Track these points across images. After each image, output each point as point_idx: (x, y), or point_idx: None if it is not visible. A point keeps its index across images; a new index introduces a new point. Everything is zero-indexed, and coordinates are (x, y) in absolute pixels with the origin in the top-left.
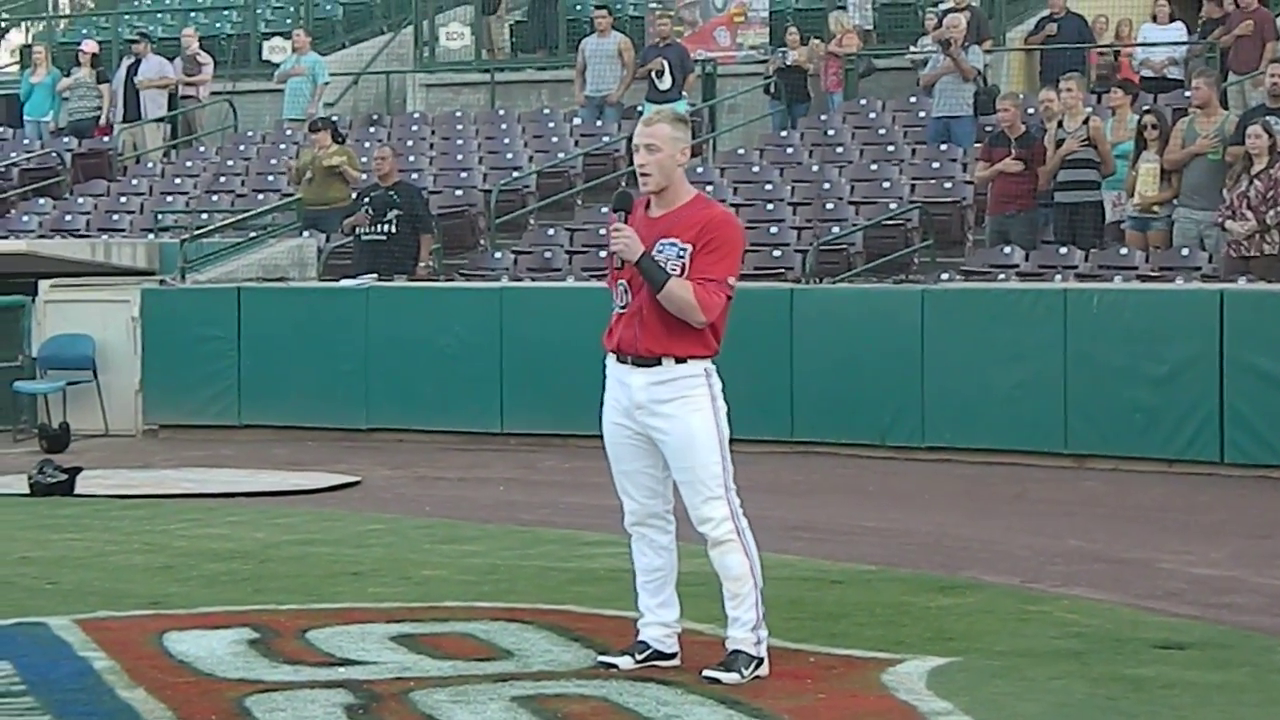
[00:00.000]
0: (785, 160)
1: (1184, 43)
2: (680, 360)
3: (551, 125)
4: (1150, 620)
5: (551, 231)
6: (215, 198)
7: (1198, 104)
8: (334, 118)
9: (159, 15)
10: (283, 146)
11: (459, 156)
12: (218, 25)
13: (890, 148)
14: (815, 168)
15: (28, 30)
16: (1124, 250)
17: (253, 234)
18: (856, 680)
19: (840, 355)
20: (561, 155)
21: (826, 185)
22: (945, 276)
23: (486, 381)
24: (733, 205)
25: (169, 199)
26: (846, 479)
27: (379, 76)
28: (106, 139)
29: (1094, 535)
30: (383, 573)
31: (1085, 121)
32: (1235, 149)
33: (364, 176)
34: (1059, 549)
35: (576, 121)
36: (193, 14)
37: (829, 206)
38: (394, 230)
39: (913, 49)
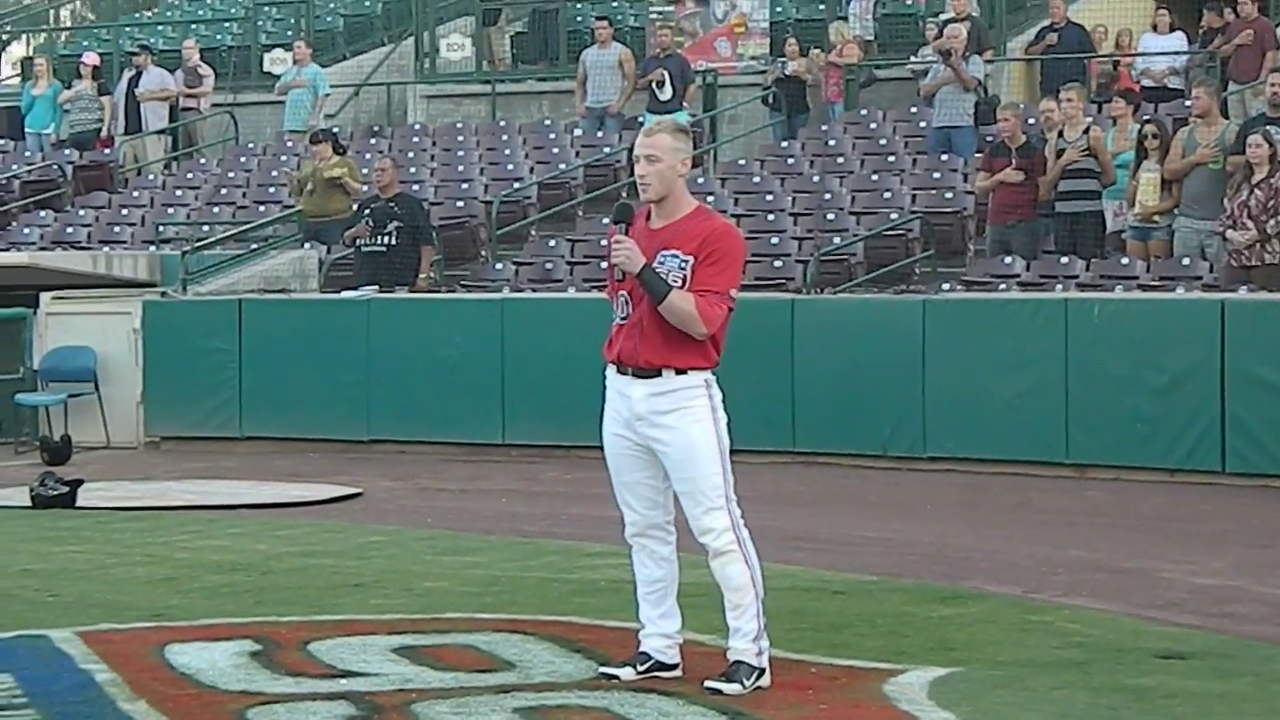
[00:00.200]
0: (786, 171)
1: (1184, 52)
2: (680, 371)
3: (552, 136)
4: (1152, 630)
5: (552, 242)
6: (216, 209)
7: (1198, 113)
8: (335, 129)
9: (160, 28)
10: (284, 158)
11: (460, 168)
12: (218, 37)
13: (891, 158)
14: (816, 178)
15: (29, 42)
16: (1125, 260)
17: (254, 246)
18: (858, 691)
19: (842, 365)
20: (562, 166)
21: (827, 195)
22: (946, 286)
23: (488, 392)
24: (733, 216)
25: (170, 211)
26: (848, 489)
27: (380, 88)
28: (108, 151)
29: (1096, 545)
30: (384, 584)
31: (1086, 131)
32: (1236, 158)
33: (365, 188)
34: (1061, 559)
35: (577, 132)
36: (194, 26)
37: (830, 217)
38: (394, 242)
39: (913, 59)
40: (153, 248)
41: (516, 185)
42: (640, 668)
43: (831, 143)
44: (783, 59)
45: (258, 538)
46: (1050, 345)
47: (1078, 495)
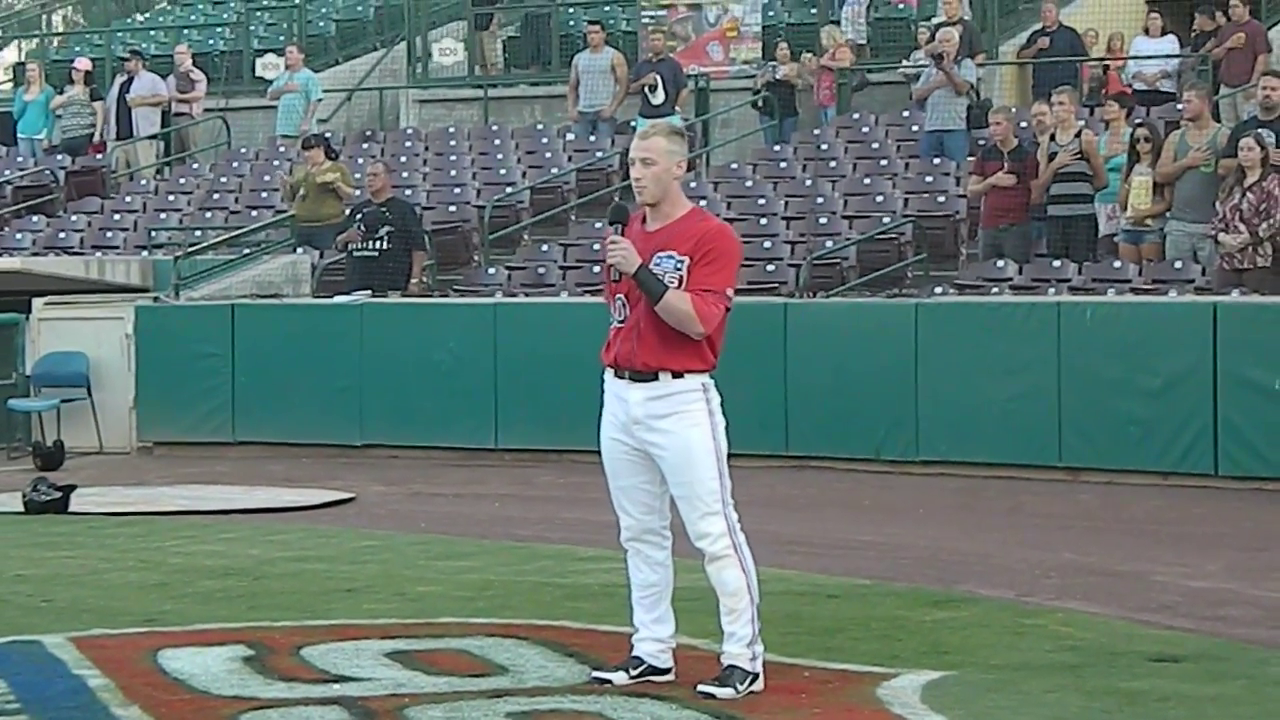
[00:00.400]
0: (778, 175)
1: (1176, 56)
2: (677, 375)
3: (545, 141)
4: (1145, 633)
5: (545, 247)
6: (209, 214)
7: (1190, 117)
8: (327, 134)
9: (152, 33)
10: (276, 163)
11: (452, 172)
12: (211, 42)
13: (883, 162)
14: (808, 182)
15: (21, 48)
16: (1117, 263)
17: (246, 251)
18: (852, 694)
19: (834, 369)
20: (555, 171)
21: (819, 199)
22: (939, 290)
23: (481, 397)
24: (726, 220)
25: (163, 216)
26: (841, 493)
27: (372, 93)
28: (100, 156)
29: (1089, 548)
30: (377, 589)
31: (1077, 135)
32: (1228, 162)
33: (357, 193)
34: (1054, 562)
35: (570, 137)
36: (186, 31)
37: (822, 221)
38: (386, 247)
39: (905, 63)
40: (145, 253)
41: (509, 190)
42: (633, 672)
43: (824, 146)
44: (773, 63)
45: (251, 543)
46: (1043, 349)
47: (1070, 498)
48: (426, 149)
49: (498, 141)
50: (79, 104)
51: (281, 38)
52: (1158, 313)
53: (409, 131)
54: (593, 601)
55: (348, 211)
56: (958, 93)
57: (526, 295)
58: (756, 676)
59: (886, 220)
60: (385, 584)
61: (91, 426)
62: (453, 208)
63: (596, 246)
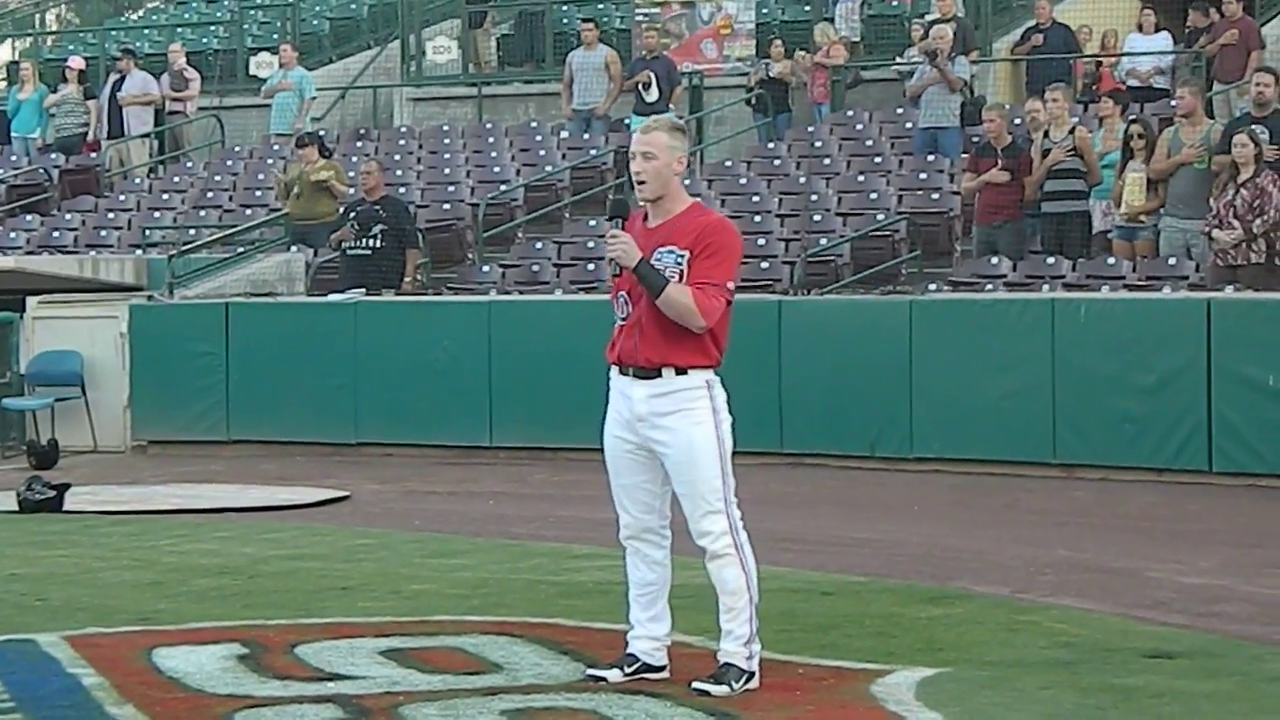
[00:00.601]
0: (772, 172)
1: (1170, 52)
2: (681, 371)
3: (539, 138)
4: (1139, 630)
5: (539, 245)
6: (203, 213)
7: (1183, 113)
8: (321, 132)
9: (146, 31)
10: (270, 161)
11: (446, 170)
12: (205, 41)
13: (877, 159)
14: (802, 179)
15: (14, 46)
16: (1111, 260)
17: (240, 249)
18: (846, 691)
19: (829, 366)
20: (549, 168)
21: (814, 197)
22: (933, 287)
23: (475, 395)
24: None
25: (156, 215)
26: (836, 490)
27: (366, 91)
28: (94, 155)
29: (1083, 545)
30: (372, 587)
31: (1071, 131)
32: (1221, 158)
33: (351, 191)
34: (1048, 559)
35: (564, 134)
36: (180, 30)
37: (816, 218)
38: (379, 245)
39: (899, 60)
40: (139, 251)
41: (503, 187)
42: (628, 669)
43: (818, 144)
44: (766, 60)
45: (245, 541)
46: (1037, 345)
47: (1065, 495)
48: (420, 147)
49: (492, 139)
50: (73, 103)
51: (275, 36)
52: (1152, 309)
53: (403, 130)
54: (587, 599)
55: (341, 210)
56: (951, 90)
57: (521, 293)
58: (752, 675)
59: (881, 217)
60: (380, 582)
61: (86, 425)
62: (447, 205)
63: (591, 244)
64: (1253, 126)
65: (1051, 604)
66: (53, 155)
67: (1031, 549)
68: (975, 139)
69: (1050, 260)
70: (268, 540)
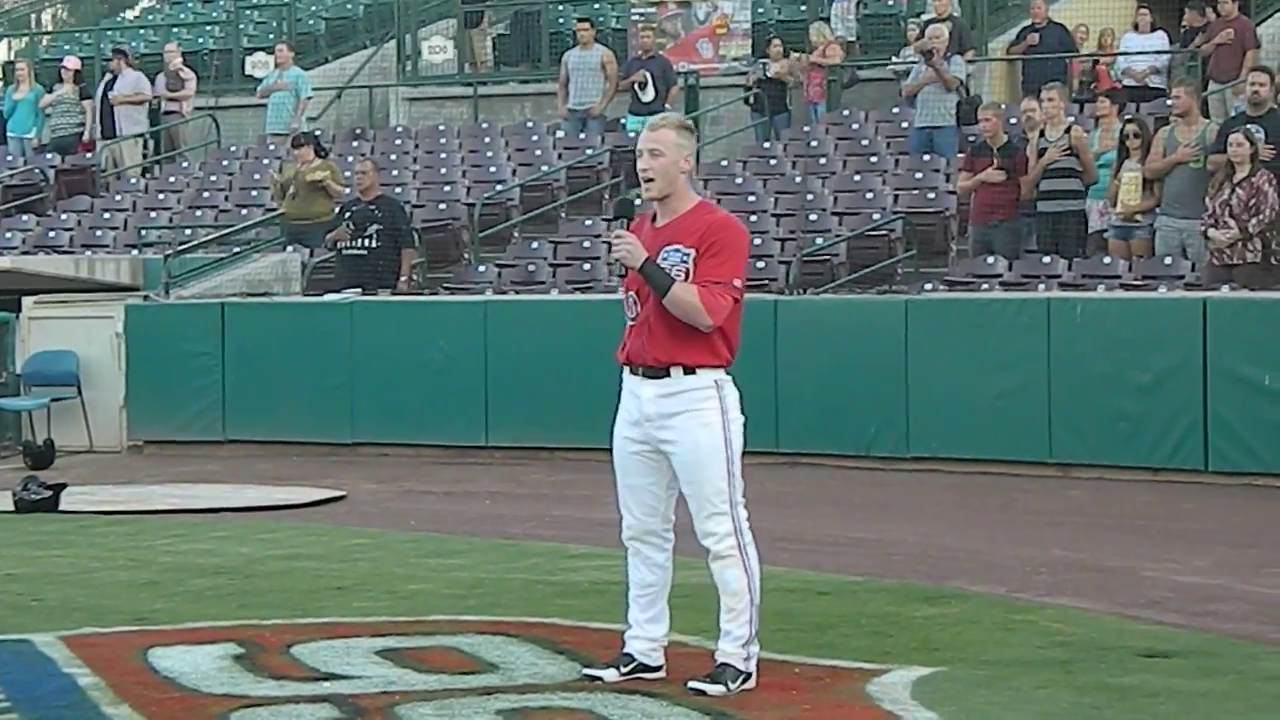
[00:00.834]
0: (768, 172)
1: (1165, 51)
2: (689, 370)
3: (534, 138)
4: (1135, 629)
5: (535, 244)
6: (199, 213)
7: (1179, 113)
8: (317, 132)
9: (142, 31)
10: (266, 161)
11: (442, 170)
12: (200, 41)
13: (873, 158)
14: (798, 179)
15: (10, 46)
16: (1107, 259)
17: (236, 249)
18: (842, 691)
19: (825, 366)
20: (545, 168)
21: (810, 196)
22: (929, 287)
23: (471, 395)
24: None
25: (152, 215)
26: (832, 490)
27: (362, 90)
28: (89, 155)
29: (1079, 544)
30: (368, 587)
31: (1067, 131)
32: (1217, 157)
33: (347, 191)
34: (1044, 558)
35: (559, 134)
36: (175, 30)
37: (812, 218)
38: (375, 245)
39: (895, 59)
40: (135, 251)
41: (499, 187)
42: (624, 669)
43: (814, 143)
44: (764, 60)
45: (241, 541)
46: (1033, 345)
47: (1061, 495)
48: (416, 147)
49: (488, 139)
50: (68, 103)
51: (271, 36)
52: (1148, 308)
53: (399, 129)
54: (583, 599)
55: (337, 210)
56: (947, 89)
57: (516, 293)
58: (749, 676)
59: (876, 217)
60: (376, 582)
61: (82, 425)
62: (442, 205)
63: (587, 244)
64: (1248, 126)
65: (1047, 603)
66: (48, 155)
67: (1027, 548)
68: (971, 138)
69: (1046, 260)
70: (264, 540)
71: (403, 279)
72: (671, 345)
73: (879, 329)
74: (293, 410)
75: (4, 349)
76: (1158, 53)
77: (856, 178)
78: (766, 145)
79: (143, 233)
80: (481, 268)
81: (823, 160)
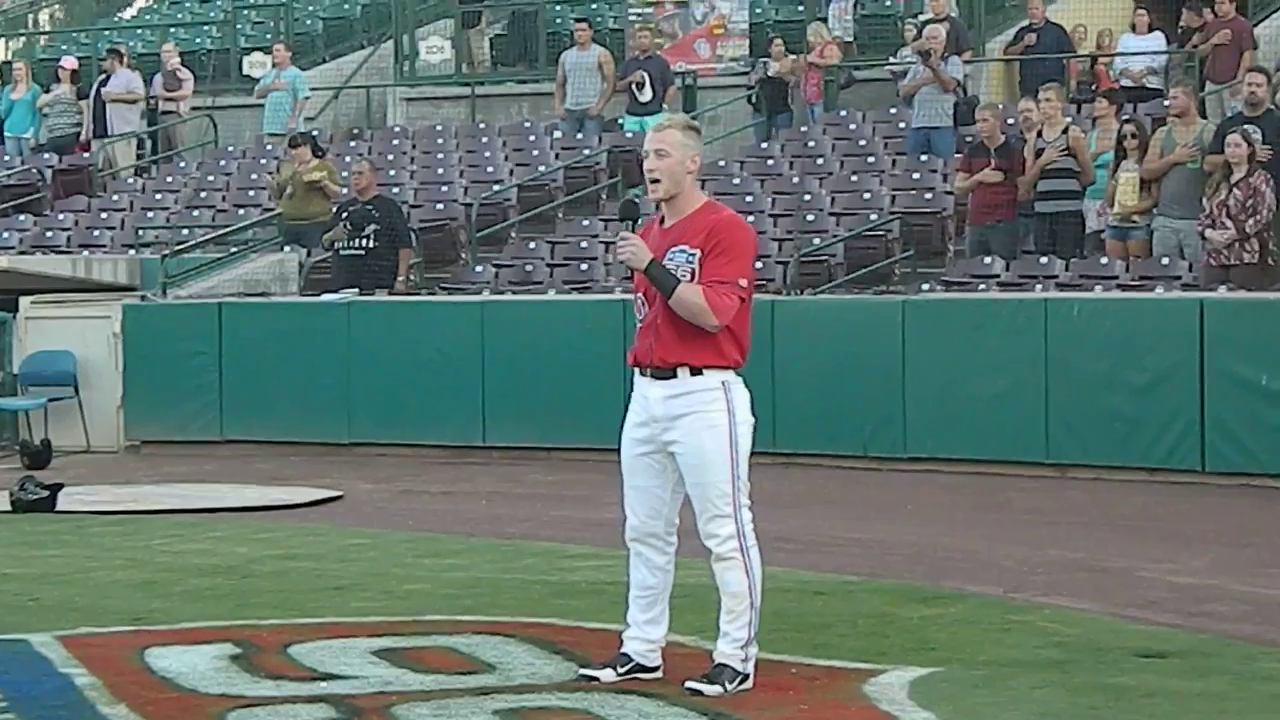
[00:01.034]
0: (766, 172)
1: (1163, 52)
2: (696, 371)
3: (532, 138)
4: (1132, 629)
5: (532, 244)
6: (196, 213)
7: (1176, 113)
8: (314, 132)
9: (139, 31)
10: (263, 161)
11: (440, 170)
12: (198, 41)
13: (870, 159)
14: (796, 179)
15: (7, 46)
16: (1104, 260)
17: (234, 249)
18: (839, 691)
19: (822, 366)
20: (542, 168)
21: (807, 196)
22: (926, 287)
23: (469, 395)
24: None
25: (150, 215)
26: (829, 490)
27: (359, 91)
28: (86, 155)
29: (1076, 544)
30: (365, 587)
31: (1065, 131)
32: (1214, 158)
33: (344, 191)
34: (1041, 558)
35: (557, 134)
36: (173, 30)
37: (810, 218)
38: (372, 245)
39: (893, 60)
40: (132, 251)
41: (496, 187)
42: (621, 669)
43: (811, 144)
44: (765, 59)
45: (238, 541)
46: (1030, 345)
47: (1058, 495)
48: (414, 147)
49: (485, 139)
50: (65, 103)
51: (268, 36)
52: (1145, 309)
53: (396, 129)
54: (580, 599)
55: (335, 210)
56: (945, 90)
57: (514, 293)
58: (747, 677)
59: (874, 217)
60: (373, 582)
61: (79, 425)
62: (440, 205)
63: (584, 244)
64: (1245, 126)
65: (1044, 603)
66: (46, 155)
67: (1024, 548)
68: (969, 139)
69: (1043, 260)
70: (261, 540)
71: (400, 279)
72: (678, 346)
73: (876, 329)
74: (290, 410)
75: (1, 349)
76: (1155, 53)
77: (854, 178)
78: (764, 145)
79: (140, 233)
80: (479, 268)
81: (820, 160)
